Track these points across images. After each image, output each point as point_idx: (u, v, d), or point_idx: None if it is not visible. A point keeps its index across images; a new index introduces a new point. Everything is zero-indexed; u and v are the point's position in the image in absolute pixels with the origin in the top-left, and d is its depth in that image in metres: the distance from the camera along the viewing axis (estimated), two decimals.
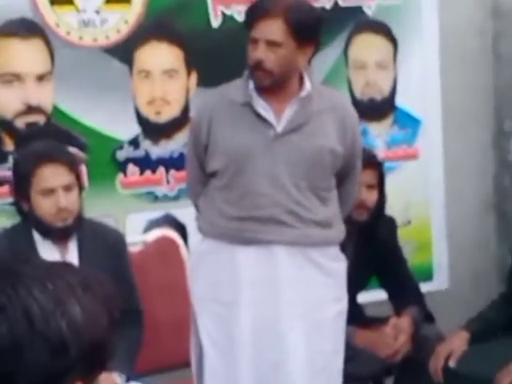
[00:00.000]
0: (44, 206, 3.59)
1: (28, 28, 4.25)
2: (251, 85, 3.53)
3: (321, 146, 3.53)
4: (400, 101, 5.07)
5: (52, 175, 3.59)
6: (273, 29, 3.42)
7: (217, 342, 3.58)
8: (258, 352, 3.52)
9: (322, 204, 3.59)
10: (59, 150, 3.82)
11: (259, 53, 3.42)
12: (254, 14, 3.49)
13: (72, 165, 3.71)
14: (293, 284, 3.56)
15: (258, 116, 3.50)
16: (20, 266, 1.47)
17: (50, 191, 3.57)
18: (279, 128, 3.50)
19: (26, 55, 4.27)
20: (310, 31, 3.49)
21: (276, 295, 3.54)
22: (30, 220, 3.67)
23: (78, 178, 3.73)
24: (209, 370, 3.59)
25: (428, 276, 5.03)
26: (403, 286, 4.27)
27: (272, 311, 3.53)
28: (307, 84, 3.54)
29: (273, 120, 3.50)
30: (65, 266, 1.52)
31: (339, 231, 3.66)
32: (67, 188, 3.59)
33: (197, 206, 3.76)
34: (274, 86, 3.49)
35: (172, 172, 4.52)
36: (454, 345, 3.88)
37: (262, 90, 3.52)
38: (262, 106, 3.50)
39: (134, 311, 3.76)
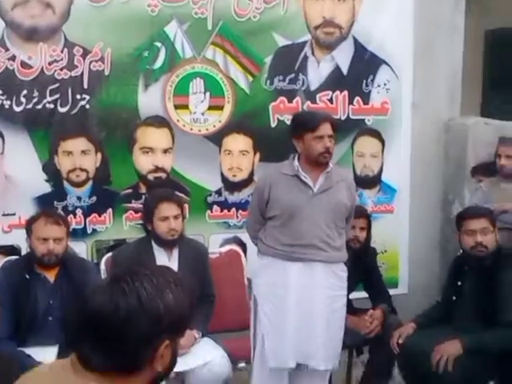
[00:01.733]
0: (161, 227, 3.65)
1: (160, 121, 4.33)
2: (296, 163, 3.53)
3: (340, 202, 3.57)
4: (384, 177, 5.03)
5: (167, 208, 3.66)
6: (329, 128, 3.48)
7: (271, 318, 3.55)
8: (299, 322, 3.53)
9: (339, 236, 3.61)
10: (172, 194, 3.88)
11: (327, 143, 3.48)
12: (318, 120, 3.50)
13: (180, 203, 3.78)
14: (322, 286, 3.56)
15: (302, 182, 3.51)
16: (138, 267, 1.51)
17: (166, 218, 3.63)
18: (315, 189, 3.52)
19: (158, 137, 4.34)
20: (337, 130, 3.62)
21: (312, 293, 3.53)
22: (151, 235, 3.72)
23: (183, 211, 3.79)
24: (264, 331, 3.58)
25: (395, 284, 4.97)
26: (378, 290, 4.26)
27: (309, 301, 3.53)
28: (330, 164, 3.60)
29: (311, 184, 3.52)
30: (166, 268, 1.55)
31: (345, 254, 3.68)
32: (176, 217, 3.66)
33: (254, 237, 3.73)
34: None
35: (240, 211, 4.54)
36: (404, 330, 3.88)
37: (305, 167, 3.52)
38: (304, 176, 3.51)
39: (210, 295, 3.79)
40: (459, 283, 3.86)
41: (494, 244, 3.75)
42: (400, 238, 5.10)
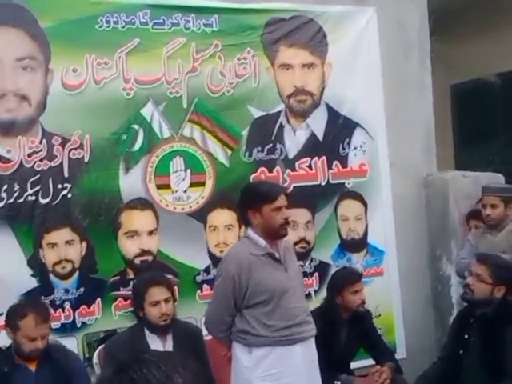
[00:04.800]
0: (152, 312, 3.57)
1: (143, 203, 4.30)
2: (263, 242, 3.42)
3: (299, 267, 3.68)
4: (370, 239, 5.05)
5: (157, 293, 3.59)
6: (285, 199, 3.44)
7: None
8: None
9: None
10: (161, 277, 3.80)
11: (287, 213, 3.43)
12: (276, 192, 3.45)
13: (169, 285, 3.71)
14: (316, 360, 3.53)
15: (273, 259, 3.42)
16: (143, 355, 1.45)
17: (157, 303, 3.56)
18: (283, 263, 3.45)
19: (142, 219, 4.30)
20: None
21: (315, 371, 3.50)
22: (143, 321, 3.64)
23: (173, 294, 3.72)
24: None
25: (393, 349, 4.83)
26: (381, 350, 4.23)
27: (315, 377, 3.51)
28: None
29: (280, 259, 3.45)
30: (170, 354, 1.57)
31: None
32: (167, 300, 3.59)
33: (220, 331, 3.53)
34: None
35: None
36: None
37: (271, 243, 3.43)
38: (275, 253, 3.45)
39: (208, 379, 3.61)
40: (466, 336, 3.87)
41: (482, 293, 3.79)
42: (392, 300, 5.09)
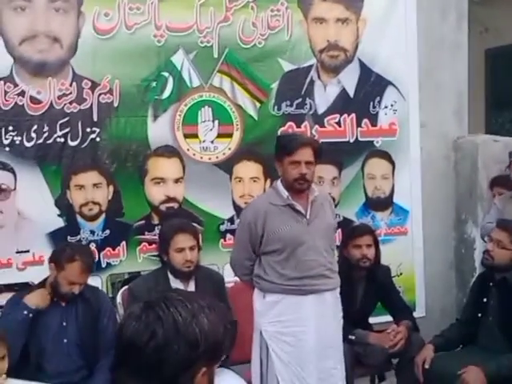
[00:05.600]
0: (177, 258, 3.57)
1: (170, 151, 4.28)
2: (285, 193, 3.37)
3: (329, 224, 3.50)
4: (396, 198, 4.98)
5: (183, 240, 3.58)
6: (309, 153, 3.31)
7: (284, 359, 3.39)
8: (319, 357, 3.42)
9: (334, 259, 3.56)
10: (188, 225, 3.78)
11: (303, 169, 3.30)
12: (296, 145, 3.32)
13: (195, 234, 3.69)
14: (333, 315, 3.48)
15: (295, 211, 3.37)
16: (170, 293, 1.47)
17: (181, 249, 3.55)
18: (308, 217, 3.39)
19: (169, 167, 4.29)
20: (320, 155, 3.44)
21: (328, 323, 3.43)
22: (167, 266, 3.64)
23: (198, 241, 3.69)
24: (277, 372, 3.40)
25: (412, 307, 4.79)
26: (399, 307, 4.16)
27: (327, 332, 3.43)
28: (315, 188, 3.45)
29: (304, 212, 3.39)
30: (197, 294, 1.57)
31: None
32: (192, 248, 3.58)
33: (244, 275, 3.56)
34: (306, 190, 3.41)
35: None
36: (426, 354, 3.80)
37: (291, 193, 3.36)
38: (297, 205, 3.38)
39: (231, 322, 3.72)
40: (484, 300, 3.82)
41: (502, 259, 3.73)
42: (415, 259, 5.02)
